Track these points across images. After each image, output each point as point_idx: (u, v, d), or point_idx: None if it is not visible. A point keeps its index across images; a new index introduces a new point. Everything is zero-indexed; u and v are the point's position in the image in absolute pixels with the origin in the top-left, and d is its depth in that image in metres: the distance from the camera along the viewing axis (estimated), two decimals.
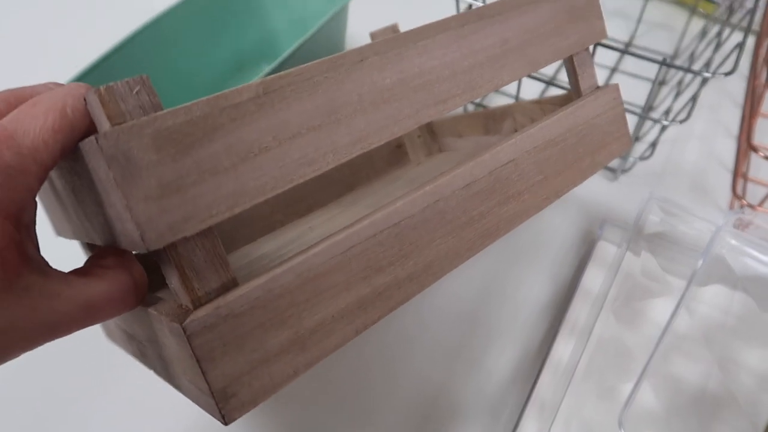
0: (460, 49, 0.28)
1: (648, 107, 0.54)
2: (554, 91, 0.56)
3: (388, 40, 0.25)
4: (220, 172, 0.21)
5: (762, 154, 0.38)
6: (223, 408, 0.21)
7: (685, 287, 0.34)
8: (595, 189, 0.49)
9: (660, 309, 0.37)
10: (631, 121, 0.53)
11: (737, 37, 0.43)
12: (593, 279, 0.40)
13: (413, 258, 0.25)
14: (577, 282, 0.41)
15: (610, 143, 0.34)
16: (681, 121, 0.40)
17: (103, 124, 0.19)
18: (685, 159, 0.51)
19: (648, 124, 0.52)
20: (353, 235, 0.24)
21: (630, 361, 0.35)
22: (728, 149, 0.51)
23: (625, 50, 0.39)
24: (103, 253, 0.23)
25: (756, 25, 0.59)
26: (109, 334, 0.32)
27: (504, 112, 0.42)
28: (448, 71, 0.27)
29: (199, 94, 0.51)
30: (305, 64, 0.23)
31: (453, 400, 0.37)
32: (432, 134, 0.46)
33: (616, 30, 0.63)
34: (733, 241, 0.36)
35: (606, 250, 0.42)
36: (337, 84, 0.24)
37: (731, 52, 0.39)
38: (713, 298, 0.37)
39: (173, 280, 0.21)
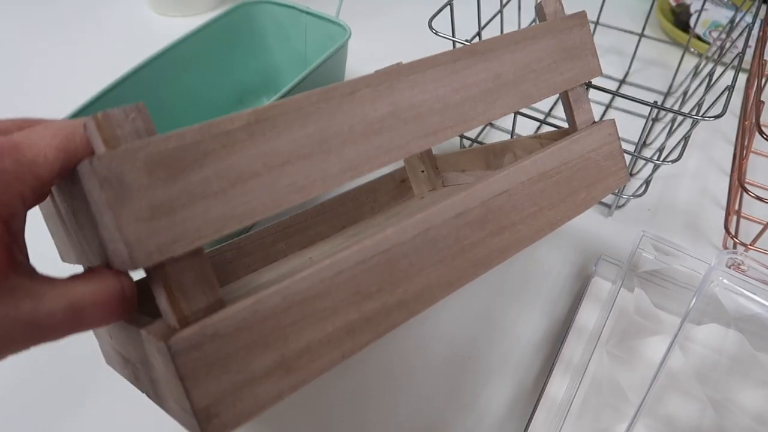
0: (452, 83, 0.28)
1: (641, 145, 0.55)
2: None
3: (380, 73, 0.26)
4: (209, 196, 0.21)
5: (752, 194, 0.38)
6: (205, 428, 0.21)
7: (678, 326, 0.34)
8: (590, 224, 0.49)
9: (654, 347, 0.37)
10: (625, 157, 0.54)
11: (728, 76, 0.44)
12: (588, 315, 0.41)
13: (403, 285, 0.26)
14: (572, 318, 0.41)
15: (606, 177, 0.35)
16: (673, 161, 0.41)
17: (99, 147, 0.20)
18: (678, 196, 0.52)
19: (641, 161, 0.53)
20: (341, 261, 0.24)
21: (624, 401, 0.35)
22: (721, 187, 0.52)
23: (616, 92, 0.39)
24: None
25: (746, 65, 0.60)
26: (108, 359, 0.32)
27: (504, 147, 0.43)
28: (439, 104, 0.28)
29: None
30: (297, 95, 0.24)
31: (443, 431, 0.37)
32: (435, 170, 0.47)
33: (610, 67, 0.65)
34: (726, 281, 0.36)
35: (600, 286, 0.43)
36: (328, 115, 0.24)
37: (721, 94, 0.40)
38: (707, 337, 0.37)
39: (161, 300, 0.21)
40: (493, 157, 0.44)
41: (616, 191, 0.48)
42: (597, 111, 0.60)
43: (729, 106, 0.39)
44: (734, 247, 0.46)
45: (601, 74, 0.36)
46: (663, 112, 0.58)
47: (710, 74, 0.48)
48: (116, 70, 0.49)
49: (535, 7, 0.35)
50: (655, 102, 0.39)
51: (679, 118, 0.52)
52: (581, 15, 0.34)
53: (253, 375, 0.22)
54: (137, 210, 0.20)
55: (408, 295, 0.26)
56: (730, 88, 0.39)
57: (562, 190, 0.32)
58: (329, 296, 0.23)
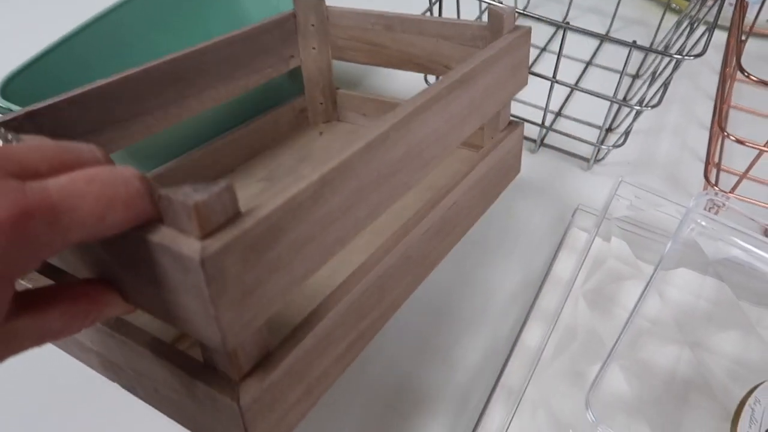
0: (444, 114, 0.30)
1: (620, 95, 0.53)
2: None
3: (403, 118, 0.27)
4: (280, 269, 0.22)
5: (733, 137, 0.37)
6: None
7: (654, 270, 0.33)
8: (569, 178, 0.48)
9: (631, 294, 0.36)
10: (605, 110, 0.53)
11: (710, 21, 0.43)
12: (564, 265, 0.39)
13: (386, 300, 0.29)
14: (549, 268, 0.40)
15: (510, 173, 0.41)
16: (653, 106, 0.40)
17: (193, 244, 0.19)
18: (658, 150, 0.50)
19: (622, 114, 0.52)
20: (352, 295, 0.27)
21: (600, 346, 0.34)
22: (701, 141, 0.51)
23: (604, 36, 0.38)
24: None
25: (726, 16, 0.59)
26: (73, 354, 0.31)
27: None
28: (434, 136, 0.30)
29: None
30: (348, 154, 0.24)
31: (418, 389, 0.36)
32: (333, 104, 0.49)
33: (591, 26, 0.63)
34: (704, 224, 0.35)
35: (577, 236, 0.41)
36: (366, 164, 0.25)
37: (701, 36, 0.38)
38: (684, 281, 0.36)
39: (222, 360, 0.22)
40: None
41: (595, 142, 0.46)
42: (577, 68, 0.58)
43: (709, 53, 0.38)
44: (714, 191, 0.45)
45: (526, 84, 0.38)
46: (643, 68, 0.57)
47: (691, 23, 0.47)
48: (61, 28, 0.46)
49: (490, 16, 0.37)
50: (634, 42, 0.37)
51: (660, 68, 0.51)
52: (527, 32, 0.37)
53: (288, 407, 0.25)
54: (232, 298, 0.20)
55: (386, 307, 0.30)
56: (711, 27, 0.37)
57: (487, 190, 0.38)
58: (343, 326, 0.26)
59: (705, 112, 0.54)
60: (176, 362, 0.24)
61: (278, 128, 0.47)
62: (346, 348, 0.27)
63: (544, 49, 0.60)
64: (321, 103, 0.49)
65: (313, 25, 0.44)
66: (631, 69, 0.58)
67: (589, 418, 0.28)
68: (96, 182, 0.18)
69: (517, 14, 0.39)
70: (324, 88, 0.48)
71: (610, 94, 0.43)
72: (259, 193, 0.42)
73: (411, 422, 0.34)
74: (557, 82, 0.44)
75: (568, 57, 0.59)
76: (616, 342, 0.30)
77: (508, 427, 0.30)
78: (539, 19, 0.43)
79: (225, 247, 0.19)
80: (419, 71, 0.44)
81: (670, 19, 0.63)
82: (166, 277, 0.20)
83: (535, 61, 0.59)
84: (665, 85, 0.41)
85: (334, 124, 0.50)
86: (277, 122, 0.47)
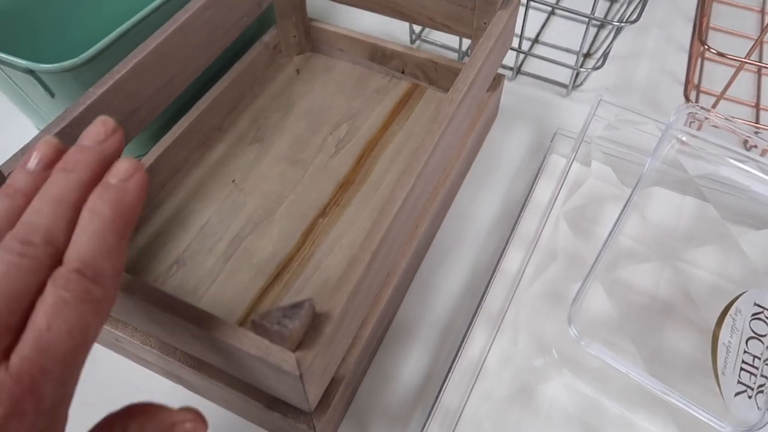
0: (439, 151, 0.31)
1: (601, 24, 0.52)
2: None
3: (423, 167, 0.29)
4: (345, 337, 0.26)
5: (714, 50, 0.36)
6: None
7: (633, 188, 0.33)
8: (547, 105, 0.47)
9: (611, 214, 0.36)
10: (581, 31, 0.51)
11: None
12: (543, 191, 0.39)
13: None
14: (528, 195, 0.39)
15: (489, 124, 0.45)
16: (632, 22, 0.39)
17: (291, 360, 0.22)
18: (636, 74, 0.49)
19: (600, 37, 0.51)
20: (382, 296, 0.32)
21: (581, 266, 0.33)
22: (680, 64, 0.50)
23: None
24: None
25: None
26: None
27: (396, 54, 0.45)
28: (440, 161, 0.33)
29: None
30: (388, 222, 0.27)
31: (400, 319, 0.35)
32: (307, 36, 0.48)
33: None
34: (685, 139, 0.34)
35: (557, 162, 0.41)
36: (399, 221, 0.28)
37: None
38: (665, 200, 0.35)
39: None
40: (381, 55, 0.46)
41: (574, 65, 0.45)
42: None
43: None
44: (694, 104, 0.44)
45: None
46: None
47: None
48: None
49: None
50: None
51: None
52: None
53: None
54: (317, 381, 0.25)
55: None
56: None
57: (471, 150, 0.41)
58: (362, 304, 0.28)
59: (683, 34, 0.53)
60: (252, 395, 0.29)
61: (255, 72, 0.45)
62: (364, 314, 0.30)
63: None
64: (294, 36, 0.47)
65: None
66: None
67: (572, 334, 0.28)
68: (55, 323, 0.17)
69: None
70: (297, 21, 0.46)
71: (585, 12, 0.41)
72: (254, 159, 0.41)
73: (393, 351, 0.34)
74: (534, 2, 0.42)
75: None
76: (597, 258, 0.29)
77: (489, 350, 0.30)
78: None
79: (315, 356, 0.23)
80: (401, 19, 0.42)
81: None
82: (262, 372, 0.24)
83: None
84: (643, 0, 0.40)
85: (308, 57, 0.48)
86: (253, 66, 0.45)
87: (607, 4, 0.55)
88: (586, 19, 0.41)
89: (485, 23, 0.39)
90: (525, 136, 0.44)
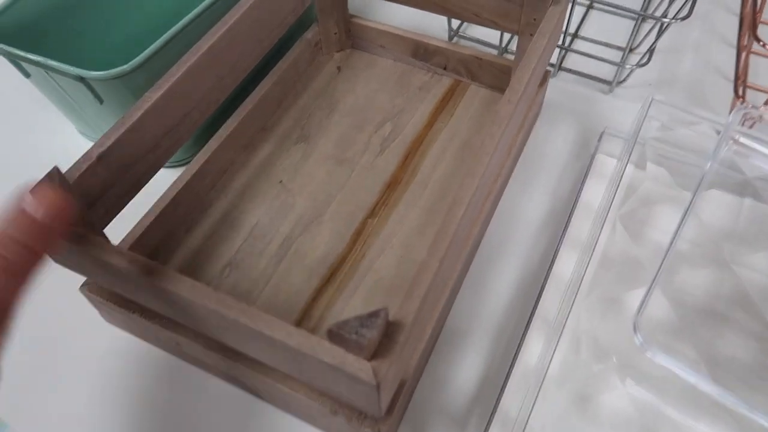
0: (499, 153, 0.31)
1: (644, 9, 0.51)
2: None
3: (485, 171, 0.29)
4: (413, 342, 0.26)
5: None
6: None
7: (693, 191, 0.32)
8: (591, 102, 0.46)
9: (666, 218, 0.35)
10: (627, 26, 0.51)
11: None
12: (593, 193, 0.38)
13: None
14: (576, 195, 0.39)
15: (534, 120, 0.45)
16: (682, 18, 0.38)
17: (367, 370, 0.22)
18: (680, 70, 0.49)
19: (643, 30, 0.50)
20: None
21: (637, 271, 0.33)
22: (724, 58, 0.49)
23: None
24: None
25: None
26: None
27: (438, 51, 0.45)
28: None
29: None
30: (453, 228, 0.26)
31: (452, 322, 0.35)
32: (348, 32, 0.47)
33: None
34: (742, 140, 0.34)
35: (604, 162, 0.40)
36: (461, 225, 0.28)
37: None
38: (721, 201, 0.35)
39: None
40: (424, 51, 0.46)
41: (618, 62, 0.45)
42: None
43: None
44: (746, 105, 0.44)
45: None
46: None
47: None
48: None
49: None
50: None
51: None
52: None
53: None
54: (389, 388, 0.25)
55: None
56: None
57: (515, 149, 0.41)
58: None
59: (728, 27, 0.52)
60: (318, 400, 0.29)
61: (298, 70, 0.45)
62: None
63: None
64: (335, 33, 0.46)
65: None
66: None
67: (637, 342, 0.27)
68: None
69: None
70: (338, 18, 0.45)
71: (629, 5, 0.41)
72: (301, 159, 0.41)
73: (446, 356, 0.34)
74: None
75: None
76: (661, 266, 0.29)
77: (551, 358, 0.30)
78: None
79: (390, 365, 0.23)
80: (445, 15, 0.42)
81: None
82: (335, 380, 0.24)
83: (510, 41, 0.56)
84: None
85: (349, 54, 0.48)
86: (296, 64, 0.45)
87: None
88: (628, 14, 0.40)
89: (535, 19, 0.38)
90: (569, 134, 0.44)
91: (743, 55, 0.42)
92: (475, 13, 0.40)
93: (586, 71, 0.48)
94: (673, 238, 0.30)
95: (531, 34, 0.39)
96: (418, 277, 0.25)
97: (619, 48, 0.50)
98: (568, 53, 0.49)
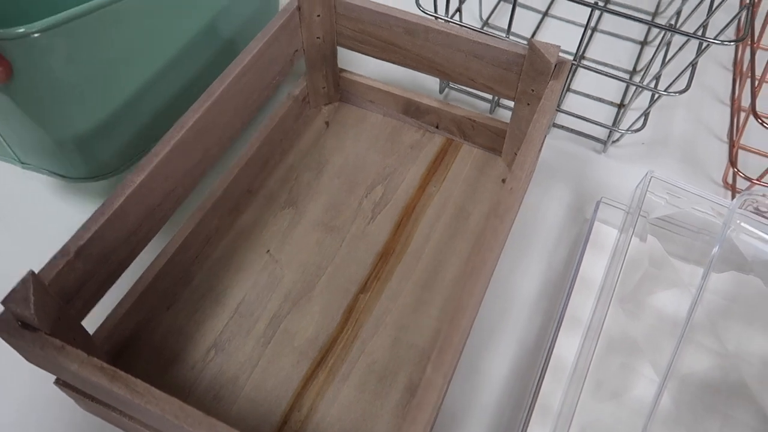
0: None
1: (634, 72, 0.51)
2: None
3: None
4: None
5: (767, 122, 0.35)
6: None
7: (701, 277, 0.32)
8: (584, 163, 0.45)
9: (670, 298, 0.35)
10: (618, 87, 0.50)
11: None
12: (592, 265, 0.37)
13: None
14: (574, 268, 0.38)
15: None
16: (680, 92, 0.37)
17: None
18: (673, 127, 0.48)
19: (633, 88, 0.49)
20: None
21: (639, 358, 0.32)
22: (718, 116, 0.49)
23: (604, 8, 0.35)
24: None
25: None
26: None
27: (430, 110, 0.44)
28: None
29: None
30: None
31: (445, 409, 0.34)
32: (336, 86, 0.46)
33: None
34: (744, 224, 0.33)
35: (602, 231, 0.39)
36: None
37: (735, 16, 0.35)
38: (723, 283, 0.34)
39: None
40: (415, 109, 0.45)
41: (611, 125, 0.44)
42: (577, 34, 0.55)
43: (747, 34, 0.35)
44: (733, 180, 0.43)
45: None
46: (652, 34, 0.54)
47: None
48: None
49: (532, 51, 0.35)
50: (652, 18, 0.34)
51: (674, 41, 0.48)
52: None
53: None
54: None
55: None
56: (749, 6, 0.35)
57: None
58: None
59: (719, 83, 0.51)
60: None
61: (284, 127, 0.43)
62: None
63: (546, 14, 0.56)
64: (323, 87, 0.45)
65: (318, 16, 0.40)
66: (638, 34, 0.55)
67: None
68: None
69: None
70: (327, 72, 0.44)
71: (618, 64, 0.40)
72: (289, 226, 0.39)
73: None
74: (576, 60, 0.40)
75: (568, 21, 0.56)
76: (672, 360, 0.28)
77: None
78: None
79: None
80: (441, 78, 0.41)
81: None
82: None
83: (537, 29, 0.55)
84: (693, 66, 0.38)
85: (337, 107, 0.46)
86: (282, 121, 0.43)
87: (635, 48, 0.54)
88: (624, 75, 0.40)
89: (533, 90, 0.37)
90: (563, 197, 0.43)
91: (735, 118, 0.42)
92: (471, 78, 0.39)
93: (578, 128, 0.47)
94: (686, 324, 0.29)
95: (527, 103, 0.38)
96: (422, 395, 0.24)
97: (612, 104, 0.49)
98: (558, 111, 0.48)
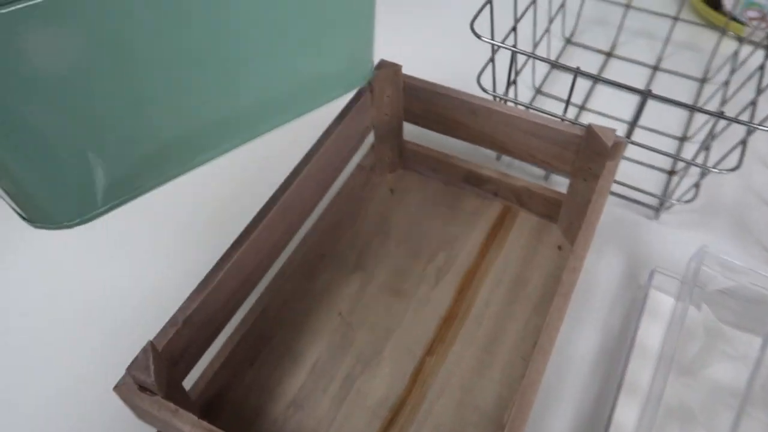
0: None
1: (684, 138, 0.52)
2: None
3: None
4: None
5: None
6: None
7: (759, 348, 0.33)
8: (636, 229, 0.47)
9: (724, 368, 0.36)
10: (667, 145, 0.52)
11: None
12: (648, 333, 0.39)
13: None
14: (631, 336, 0.39)
15: None
16: (731, 170, 0.39)
17: None
18: (724, 194, 0.50)
19: (688, 151, 0.51)
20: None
21: (696, 427, 0.34)
22: (767, 181, 0.50)
23: (652, 94, 0.37)
24: None
25: None
26: None
27: (490, 179, 0.47)
28: None
29: None
30: None
31: None
32: (401, 156, 0.49)
33: (641, 52, 0.62)
34: None
35: (658, 299, 0.41)
36: None
37: None
38: None
39: None
40: (475, 178, 0.48)
41: (663, 195, 0.46)
42: (630, 102, 0.57)
43: None
44: None
45: None
46: (702, 99, 0.56)
47: (761, 70, 0.46)
48: None
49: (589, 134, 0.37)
50: (694, 104, 0.37)
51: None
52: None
53: None
54: None
55: None
56: None
57: None
58: None
59: (766, 148, 0.53)
60: None
61: (353, 195, 0.47)
62: None
63: (597, 80, 0.59)
64: (389, 157, 0.48)
65: (388, 96, 0.43)
66: (689, 97, 0.57)
67: None
68: None
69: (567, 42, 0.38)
70: (393, 144, 0.47)
71: (669, 132, 0.42)
72: (358, 289, 0.42)
73: None
74: (629, 138, 0.43)
75: (620, 88, 0.58)
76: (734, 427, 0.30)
77: None
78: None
79: None
80: (502, 153, 0.44)
81: (726, 44, 0.61)
82: None
83: (589, 94, 0.58)
84: (744, 144, 0.41)
85: (401, 175, 0.50)
86: (352, 192, 0.46)
87: (685, 113, 0.56)
88: (671, 140, 0.42)
89: (590, 168, 0.40)
90: (617, 263, 0.45)
91: None
92: (530, 154, 0.42)
93: (630, 195, 0.49)
94: (741, 404, 0.31)
95: (584, 179, 0.41)
96: None
97: (663, 170, 0.51)
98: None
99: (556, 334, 0.30)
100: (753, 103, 0.43)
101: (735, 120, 0.37)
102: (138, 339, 0.41)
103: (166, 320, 0.31)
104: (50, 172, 0.25)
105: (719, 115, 0.37)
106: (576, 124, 0.40)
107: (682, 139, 0.54)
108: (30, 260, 0.46)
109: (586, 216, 0.35)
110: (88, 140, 0.25)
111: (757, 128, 0.37)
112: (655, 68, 0.60)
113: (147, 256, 0.46)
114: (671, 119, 0.55)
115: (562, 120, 0.42)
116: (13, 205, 0.26)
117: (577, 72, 0.41)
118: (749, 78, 0.48)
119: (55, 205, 0.25)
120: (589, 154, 0.39)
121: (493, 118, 0.41)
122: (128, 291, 0.44)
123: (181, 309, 0.31)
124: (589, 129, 0.38)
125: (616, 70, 0.61)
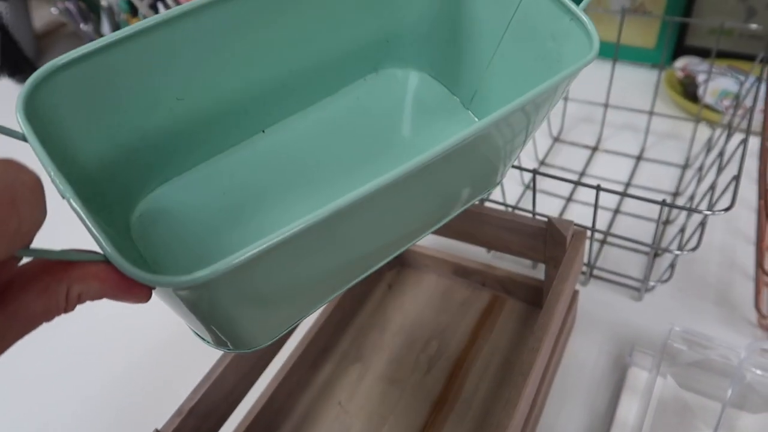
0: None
1: (667, 221, 0.56)
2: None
3: None
4: None
5: None
6: None
7: (718, 416, 0.35)
8: (622, 310, 0.50)
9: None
10: (650, 230, 0.55)
11: (739, 154, 0.45)
12: (627, 408, 0.41)
13: None
14: (613, 412, 0.41)
15: None
16: (692, 249, 0.42)
17: None
18: (706, 271, 0.52)
19: (668, 235, 0.54)
20: None
21: None
22: (747, 257, 0.53)
23: (624, 193, 0.41)
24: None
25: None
26: None
27: (477, 271, 0.51)
28: None
29: None
30: None
31: None
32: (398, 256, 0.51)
33: (625, 144, 0.67)
34: (759, 372, 0.37)
35: (637, 376, 0.43)
36: None
37: (730, 183, 0.41)
38: (747, 424, 0.37)
39: None
40: (464, 271, 0.51)
41: (643, 278, 0.49)
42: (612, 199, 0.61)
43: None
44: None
45: None
46: (683, 185, 0.60)
47: (721, 155, 0.50)
48: None
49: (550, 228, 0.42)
50: (664, 200, 0.41)
51: (697, 198, 0.53)
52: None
53: None
54: None
55: None
56: (737, 178, 0.40)
57: None
58: None
59: (749, 225, 0.56)
60: None
61: (354, 293, 0.51)
62: None
63: (582, 174, 0.64)
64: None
65: None
66: (671, 182, 0.60)
67: None
68: None
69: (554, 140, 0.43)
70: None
71: (652, 216, 0.45)
72: (357, 379, 0.46)
73: None
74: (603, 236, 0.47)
75: (605, 179, 0.63)
76: None
77: None
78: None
79: None
80: (483, 246, 0.48)
81: (703, 130, 0.65)
82: None
83: (574, 190, 0.62)
84: (702, 225, 0.44)
85: (398, 271, 0.54)
86: (353, 289, 0.50)
87: (665, 195, 0.59)
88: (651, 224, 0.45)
89: (555, 256, 0.44)
90: (604, 344, 0.47)
91: (759, 279, 0.46)
92: (507, 246, 0.46)
93: (614, 279, 0.52)
94: None
95: (554, 266, 0.44)
96: None
97: (645, 253, 0.54)
98: (598, 260, 0.54)
99: (514, 412, 0.33)
100: (712, 188, 0.47)
101: (689, 209, 0.41)
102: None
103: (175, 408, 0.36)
104: (271, 324, 0.29)
105: (671, 205, 0.41)
106: (539, 216, 0.44)
107: (665, 222, 0.57)
108: (36, 350, 0.52)
109: (547, 300, 0.38)
110: (301, 297, 0.29)
111: (708, 214, 0.40)
112: (638, 158, 0.65)
113: (161, 345, 0.51)
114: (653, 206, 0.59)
115: (533, 215, 0.46)
116: (208, 339, 0.27)
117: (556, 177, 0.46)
118: (713, 163, 0.52)
119: (263, 341, 0.29)
120: (553, 244, 0.43)
121: (473, 218, 0.46)
122: (140, 377, 0.49)
123: (187, 400, 0.36)
124: (549, 222, 0.42)
125: (603, 163, 0.65)
